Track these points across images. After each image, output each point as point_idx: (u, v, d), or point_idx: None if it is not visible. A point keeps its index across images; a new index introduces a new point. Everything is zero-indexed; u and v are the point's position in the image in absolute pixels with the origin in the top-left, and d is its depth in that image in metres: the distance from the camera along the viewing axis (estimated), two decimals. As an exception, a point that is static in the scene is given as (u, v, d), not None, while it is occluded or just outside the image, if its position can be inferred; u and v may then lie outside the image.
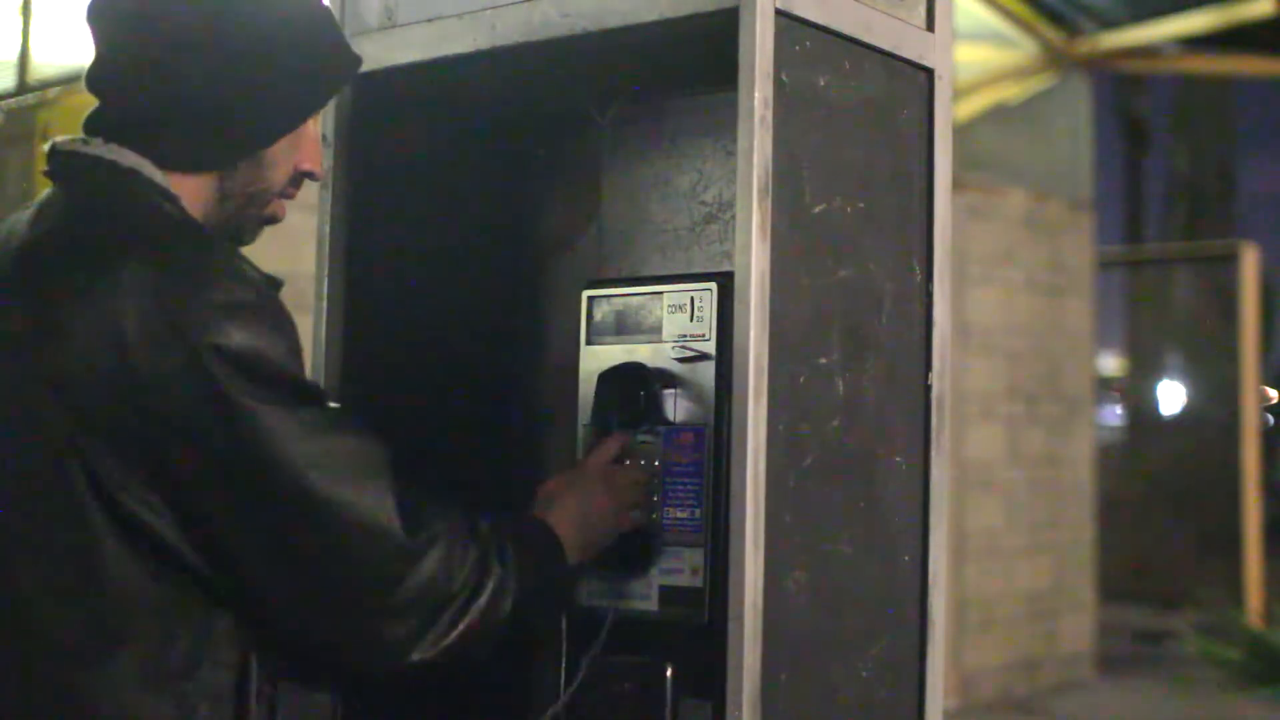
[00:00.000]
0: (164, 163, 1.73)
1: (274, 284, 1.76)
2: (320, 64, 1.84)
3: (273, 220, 1.86)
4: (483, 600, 1.71)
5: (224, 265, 1.65)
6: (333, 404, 1.69)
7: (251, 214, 1.83)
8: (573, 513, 1.94)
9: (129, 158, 1.72)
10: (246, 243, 1.86)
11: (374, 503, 1.64)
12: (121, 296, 1.59)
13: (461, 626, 1.69)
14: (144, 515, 1.59)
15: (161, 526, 1.60)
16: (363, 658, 1.72)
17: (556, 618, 1.98)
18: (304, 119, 1.83)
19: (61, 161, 1.75)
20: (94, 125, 1.76)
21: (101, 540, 1.59)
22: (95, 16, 1.77)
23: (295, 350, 1.66)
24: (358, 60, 1.91)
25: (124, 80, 1.75)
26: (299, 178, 1.85)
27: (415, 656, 1.67)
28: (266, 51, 1.76)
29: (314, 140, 1.87)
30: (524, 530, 1.85)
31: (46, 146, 1.77)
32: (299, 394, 1.64)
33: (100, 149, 1.73)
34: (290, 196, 1.86)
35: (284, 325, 1.65)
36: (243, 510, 1.62)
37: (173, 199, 1.72)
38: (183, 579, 1.62)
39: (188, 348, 1.57)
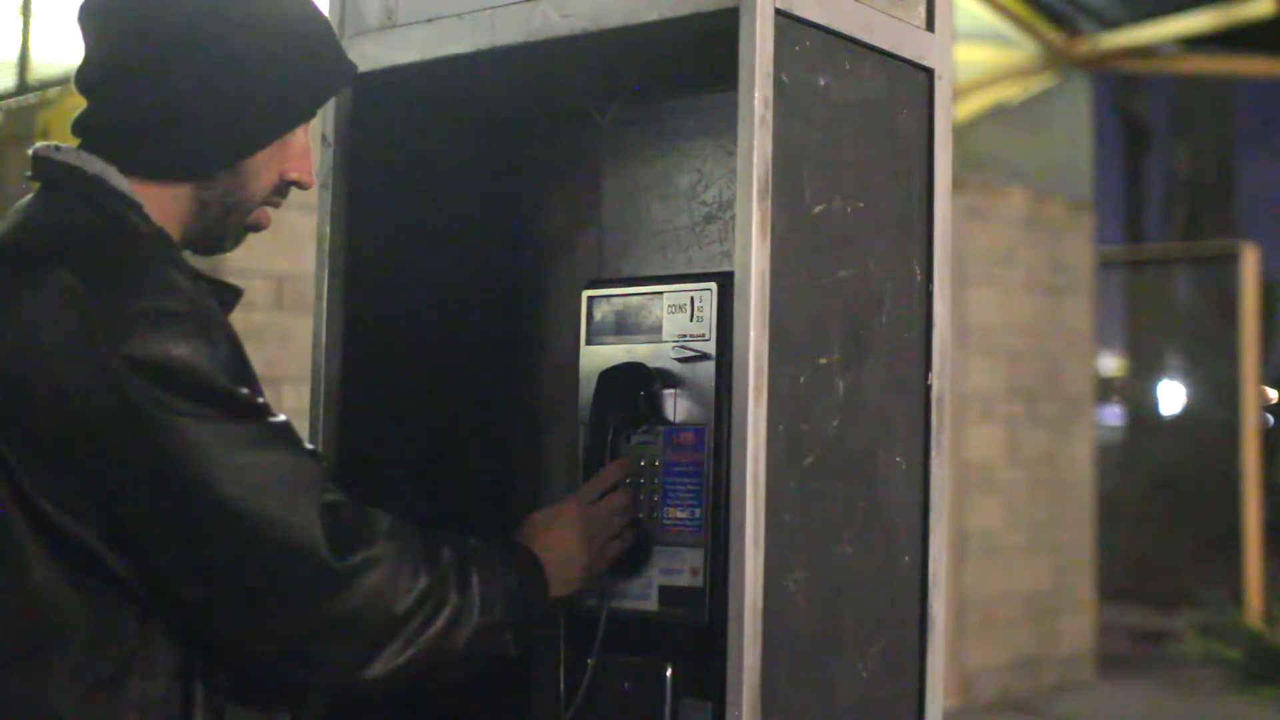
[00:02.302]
0: (135, 171, 1.71)
1: (231, 292, 1.74)
2: (308, 76, 1.79)
3: (256, 228, 1.83)
4: (436, 628, 1.67)
5: (156, 275, 1.61)
6: (275, 419, 1.63)
7: (232, 223, 1.79)
8: (552, 548, 1.90)
9: (95, 165, 1.70)
10: (228, 250, 1.82)
11: (297, 520, 1.60)
12: (44, 304, 1.57)
13: (412, 651, 1.65)
14: (69, 524, 1.57)
15: (87, 535, 1.57)
16: (304, 677, 1.68)
17: (531, 645, 1.95)
18: (288, 131, 1.78)
19: (37, 167, 1.74)
20: (80, 127, 1.75)
21: (25, 547, 1.57)
22: (85, 17, 1.75)
23: (229, 362, 1.61)
24: (350, 71, 1.86)
25: (108, 84, 1.73)
26: (285, 186, 1.81)
27: (367, 676, 1.64)
28: (253, 63, 1.73)
29: (303, 148, 1.81)
30: (501, 560, 1.81)
31: (30, 151, 1.75)
32: (227, 406, 1.59)
33: (69, 155, 1.71)
34: (275, 205, 1.82)
35: (215, 336, 1.61)
36: (160, 522, 1.59)
37: (136, 207, 1.69)
38: (111, 588, 1.59)
39: (100, 357, 1.54)
